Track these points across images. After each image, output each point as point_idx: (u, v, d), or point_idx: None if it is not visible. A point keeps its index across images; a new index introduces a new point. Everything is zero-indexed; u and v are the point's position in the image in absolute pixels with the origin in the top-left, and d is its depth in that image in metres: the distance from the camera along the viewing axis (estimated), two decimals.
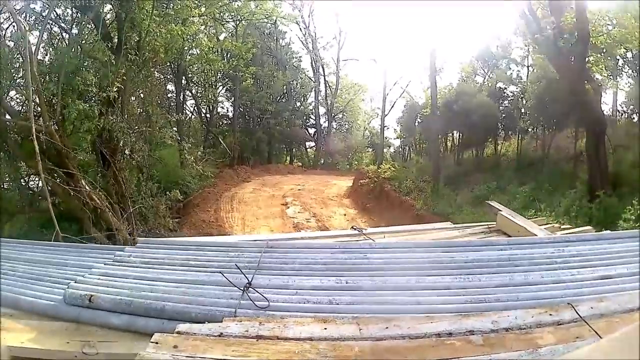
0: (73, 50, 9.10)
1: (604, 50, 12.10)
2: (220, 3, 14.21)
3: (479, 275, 2.71)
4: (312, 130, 26.61)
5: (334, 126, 27.00)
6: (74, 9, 9.20)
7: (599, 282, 2.57)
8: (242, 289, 2.42)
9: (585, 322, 2.00)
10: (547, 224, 5.23)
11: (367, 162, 22.16)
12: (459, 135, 16.72)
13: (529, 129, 15.37)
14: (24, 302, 2.61)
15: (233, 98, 21.67)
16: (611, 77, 13.85)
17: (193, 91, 20.16)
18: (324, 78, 25.77)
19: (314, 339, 1.94)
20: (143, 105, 11.46)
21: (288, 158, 26.37)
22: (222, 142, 20.10)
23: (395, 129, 23.97)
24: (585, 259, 2.89)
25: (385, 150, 25.18)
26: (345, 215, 14.42)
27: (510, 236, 4.40)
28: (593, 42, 11.56)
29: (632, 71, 13.58)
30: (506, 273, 2.72)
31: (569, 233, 4.63)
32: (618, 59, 13.11)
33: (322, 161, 25.54)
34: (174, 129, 14.38)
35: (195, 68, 17.59)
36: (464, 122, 14.82)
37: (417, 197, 14.11)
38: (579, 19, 10.93)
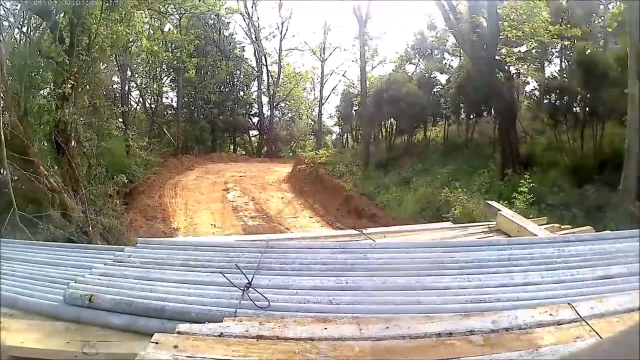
0: (33, 52, 10.14)
1: (516, 43, 13.33)
2: None
3: (479, 275, 2.71)
4: (255, 119, 27.26)
5: (277, 115, 27.72)
6: (35, 15, 10.34)
7: (599, 282, 2.57)
8: (243, 289, 2.42)
9: (586, 322, 2.00)
10: (547, 223, 5.23)
11: (310, 150, 22.79)
12: (394, 123, 17.63)
13: (451, 116, 16.38)
14: (23, 302, 2.60)
15: (177, 88, 22.12)
16: (534, 66, 14.86)
17: (138, 82, 20.69)
18: (267, 68, 26.45)
19: (314, 339, 1.94)
20: (92, 98, 12.30)
21: (232, 147, 26.90)
22: (166, 132, 20.79)
23: (334, 117, 25.02)
24: (585, 258, 2.89)
25: (327, 137, 26.34)
26: (282, 198, 15.33)
27: (510, 236, 4.40)
28: (506, 35, 12.63)
29: (539, 61, 15.04)
30: (506, 273, 2.72)
31: (569, 233, 4.63)
32: (528, 50, 14.38)
33: (265, 149, 26.18)
34: (120, 119, 15.59)
35: (140, 60, 18.04)
36: (394, 110, 15.83)
37: (348, 179, 15.14)
38: (489, 15, 12.11)
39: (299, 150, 24.68)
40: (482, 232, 4.74)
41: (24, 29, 10.71)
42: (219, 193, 15.25)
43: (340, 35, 24.62)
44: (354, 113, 20.41)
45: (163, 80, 22.21)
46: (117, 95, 18.81)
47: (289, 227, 12.17)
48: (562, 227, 5.14)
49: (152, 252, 3.24)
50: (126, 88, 19.54)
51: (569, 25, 12.10)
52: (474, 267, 2.82)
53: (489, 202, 5.82)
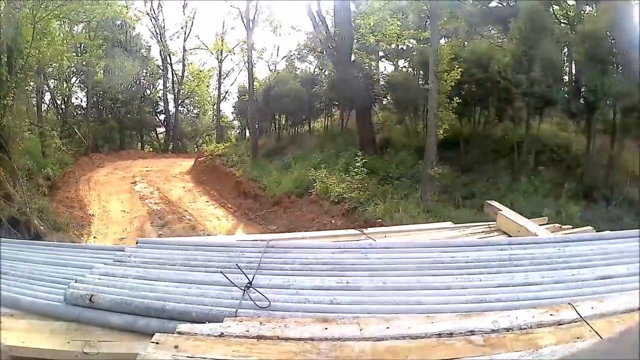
0: None
1: (371, 46, 15.90)
2: (72, 7, 16.22)
3: (480, 275, 2.71)
4: (162, 117, 28.19)
5: (183, 112, 28.99)
6: None
7: (599, 282, 2.57)
8: (243, 288, 2.42)
9: (586, 322, 2.01)
10: (547, 223, 5.23)
11: (213, 144, 24.06)
12: (285, 116, 19.70)
13: (326, 109, 18.67)
14: (24, 302, 2.60)
15: (86, 89, 22.80)
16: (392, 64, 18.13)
17: (50, 85, 21.29)
18: (171, 66, 27.64)
19: (314, 339, 1.95)
20: (25, 106, 14.68)
21: (140, 144, 27.68)
22: (77, 132, 21.45)
23: (233, 113, 26.23)
24: (585, 258, 2.89)
25: (231, 132, 27.71)
26: (184, 187, 17.30)
27: (510, 236, 4.40)
28: (364, 41, 15.14)
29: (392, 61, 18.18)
30: (506, 273, 2.72)
31: (570, 233, 4.63)
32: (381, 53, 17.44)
33: (172, 145, 27.20)
34: (33, 121, 17.10)
35: (51, 63, 18.70)
36: (280, 106, 17.87)
37: (239, 168, 17.08)
38: (345, 25, 14.57)
39: (204, 145, 25.75)
40: (483, 232, 4.74)
41: None
42: (127, 186, 16.83)
43: (239, 35, 25.48)
44: (248, 109, 21.87)
45: (72, 82, 22.96)
46: (32, 97, 19.73)
47: (187, 210, 14.00)
48: (562, 227, 5.14)
49: (153, 251, 3.24)
50: (40, 91, 20.33)
51: (420, 30, 14.30)
52: (474, 267, 2.81)
53: (489, 202, 5.80)
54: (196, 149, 26.80)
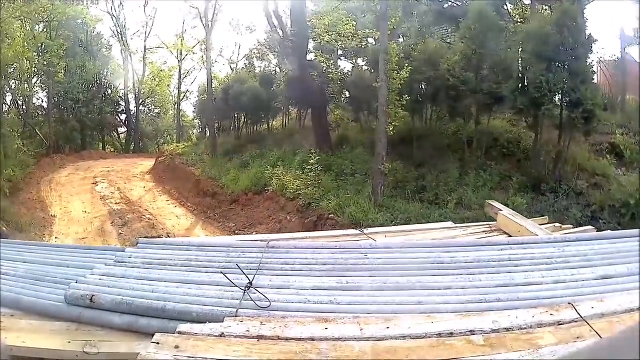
0: None
1: (328, 45, 15.72)
2: (34, 7, 16.46)
3: (480, 275, 2.71)
4: (123, 117, 27.88)
5: (144, 111, 28.60)
6: None
7: (599, 282, 2.57)
8: (244, 289, 2.42)
9: (586, 322, 2.01)
10: (547, 223, 5.23)
11: (174, 143, 24.14)
12: (244, 115, 19.70)
13: (284, 108, 18.70)
14: (25, 303, 2.61)
15: (47, 89, 22.61)
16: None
17: (11, 85, 21.11)
18: (132, 66, 27.29)
19: (315, 339, 1.95)
20: None
21: (101, 144, 27.48)
22: (38, 132, 21.29)
23: (194, 112, 26.46)
24: (585, 258, 2.89)
25: (192, 131, 27.75)
26: (144, 187, 17.45)
27: (510, 236, 4.40)
28: (319, 40, 15.18)
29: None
30: (507, 273, 2.72)
31: (569, 233, 4.63)
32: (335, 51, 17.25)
33: (133, 145, 27.02)
34: None
35: (12, 64, 18.78)
36: (239, 105, 17.90)
37: (198, 167, 17.22)
38: (299, 26, 14.65)
39: (165, 144, 25.70)
40: (483, 232, 4.74)
41: None
42: (88, 186, 16.91)
43: (198, 34, 25.60)
44: (207, 108, 22.08)
45: (33, 82, 22.76)
46: None
47: (147, 209, 14.16)
48: (562, 227, 5.14)
49: (153, 252, 3.24)
50: (1, 92, 20.29)
51: (375, 30, 14.10)
52: (474, 267, 2.82)
53: (490, 202, 5.81)
54: (157, 148, 26.69)
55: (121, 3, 25.81)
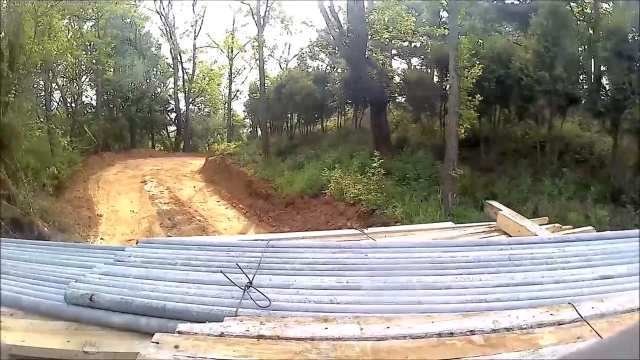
0: None
1: (386, 44, 15.58)
2: (80, 5, 16.39)
3: (480, 274, 2.71)
4: (172, 115, 27.85)
5: (194, 110, 28.57)
6: None
7: (599, 282, 2.57)
8: (243, 288, 2.42)
9: (586, 322, 2.01)
10: (546, 223, 5.23)
11: (224, 143, 23.79)
12: (297, 115, 19.35)
13: (339, 107, 18.35)
14: (24, 302, 2.61)
15: (96, 87, 22.64)
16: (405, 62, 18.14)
17: (59, 83, 21.09)
18: (182, 65, 27.31)
19: (315, 338, 1.95)
20: (28, 103, 14.19)
21: (150, 143, 27.40)
22: (87, 130, 21.20)
23: (244, 111, 26.32)
24: (585, 258, 2.89)
25: (242, 130, 27.55)
26: (194, 187, 16.96)
27: (510, 236, 4.40)
28: (378, 38, 14.78)
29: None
30: (507, 273, 2.72)
31: (569, 233, 4.63)
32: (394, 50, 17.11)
33: (183, 144, 26.91)
34: (41, 119, 16.94)
35: (61, 61, 18.54)
36: (292, 104, 17.56)
37: (250, 167, 16.76)
38: (358, 20, 14.00)
39: (215, 144, 25.20)
40: (483, 231, 4.74)
41: None
42: (137, 185, 16.55)
43: (250, 32, 25.41)
44: (260, 107, 21.64)
45: (83, 80, 22.80)
46: (41, 96, 19.62)
47: (197, 210, 13.70)
48: (562, 227, 5.14)
49: (153, 251, 3.24)
50: (49, 89, 20.21)
51: (435, 26, 13.66)
52: (474, 266, 2.81)
53: (490, 202, 5.82)
54: (207, 148, 26.30)
55: (170, 2, 25.71)
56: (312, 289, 2.54)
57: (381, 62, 15.15)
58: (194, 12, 26.55)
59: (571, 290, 2.47)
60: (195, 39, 26.86)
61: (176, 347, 1.89)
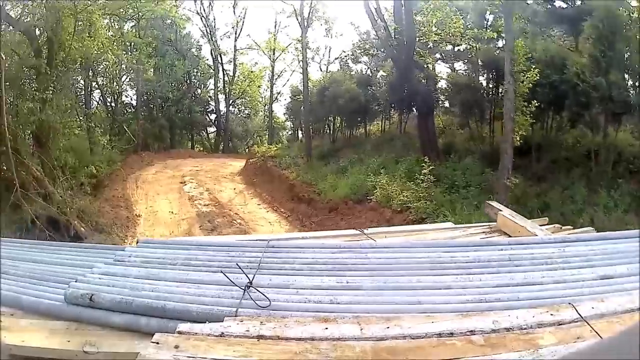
0: (21, 66, 12.21)
1: (434, 46, 15.27)
2: (120, 4, 16.10)
3: (480, 275, 2.71)
4: (212, 116, 27.95)
5: (234, 112, 28.60)
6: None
7: (599, 282, 2.57)
8: (243, 288, 2.42)
9: (586, 322, 2.01)
10: (546, 224, 5.23)
11: (265, 145, 23.55)
12: (340, 118, 19.09)
13: (385, 111, 18.05)
14: (24, 302, 2.61)
15: (136, 87, 22.68)
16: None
17: (99, 82, 21.19)
18: (222, 66, 27.26)
19: (315, 338, 1.94)
20: (67, 100, 14.12)
21: (190, 143, 27.48)
22: (126, 129, 21.36)
23: (285, 113, 26.10)
24: (585, 258, 2.88)
25: (282, 132, 27.52)
26: (234, 189, 16.61)
27: (510, 236, 4.40)
28: (425, 40, 14.44)
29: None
30: (507, 273, 2.72)
31: (570, 233, 4.63)
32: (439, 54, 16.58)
33: (222, 145, 26.86)
34: (80, 118, 17.04)
35: (101, 60, 18.49)
36: (335, 107, 17.27)
37: (292, 170, 16.43)
38: (407, 22, 13.72)
39: (255, 145, 25.20)
40: (483, 232, 4.73)
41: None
42: (176, 185, 16.38)
43: (292, 33, 25.34)
44: (302, 109, 21.34)
45: (123, 80, 22.85)
46: (81, 95, 19.75)
47: (238, 213, 13.40)
48: (562, 227, 5.14)
49: (153, 251, 3.24)
50: (89, 88, 20.35)
51: (484, 29, 13.43)
52: (474, 267, 2.81)
53: (489, 202, 5.80)
54: (247, 149, 26.30)
55: (210, 3, 25.72)
56: (312, 289, 2.54)
57: (430, 65, 14.73)
58: (234, 13, 26.58)
59: (571, 290, 2.47)
60: (235, 40, 26.89)
61: (176, 347, 1.89)
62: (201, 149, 27.29)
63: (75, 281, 2.69)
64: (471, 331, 1.97)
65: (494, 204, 5.52)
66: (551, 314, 2.08)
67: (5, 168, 9.94)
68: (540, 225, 4.71)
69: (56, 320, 2.47)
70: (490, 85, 13.88)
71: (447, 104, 15.84)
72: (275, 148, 19.68)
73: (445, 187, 11.18)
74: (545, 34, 13.21)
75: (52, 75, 11.87)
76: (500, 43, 13.54)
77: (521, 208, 9.09)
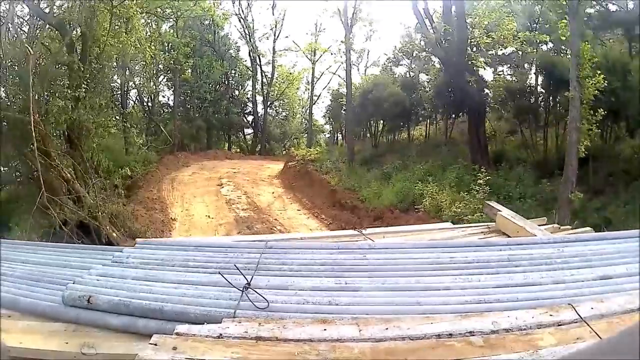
0: (52, 62, 11.57)
1: (485, 49, 14.55)
2: (158, 3, 15.84)
3: (479, 275, 2.70)
4: (250, 118, 27.74)
5: (271, 114, 28.17)
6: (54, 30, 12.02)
7: (599, 283, 2.56)
8: (242, 289, 2.41)
9: (586, 322, 2.00)
10: (545, 224, 5.22)
11: (302, 148, 23.25)
12: (382, 122, 18.61)
13: (431, 116, 17.62)
14: (22, 303, 2.60)
15: (174, 88, 22.57)
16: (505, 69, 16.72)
17: (136, 82, 20.99)
18: (261, 68, 26.87)
19: (313, 340, 1.94)
20: (101, 99, 13.28)
21: (227, 145, 27.24)
22: (163, 129, 21.05)
23: (325, 116, 25.74)
24: (585, 259, 2.88)
25: (320, 135, 27.27)
26: (273, 193, 16.06)
27: (510, 236, 4.40)
28: (478, 41, 13.83)
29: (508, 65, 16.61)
30: (506, 273, 2.71)
31: (569, 233, 4.63)
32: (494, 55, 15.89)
33: (259, 147, 26.54)
34: (117, 117, 16.56)
35: (138, 59, 18.34)
36: (378, 110, 16.81)
37: (334, 175, 15.89)
38: (459, 23, 13.19)
39: (293, 148, 24.86)
40: (482, 232, 4.73)
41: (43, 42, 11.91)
42: (213, 187, 15.89)
43: (332, 35, 25.21)
44: (343, 112, 20.98)
45: (160, 80, 22.72)
46: (117, 94, 19.42)
47: (277, 218, 12.79)
48: (561, 227, 5.14)
49: (151, 252, 3.23)
50: (125, 88, 20.08)
51: (537, 32, 12.94)
52: (473, 267, 2.81)
53: (489, 202, 5.80)
54: (283, 152, 26.01)
55: (249, 4, 25.34)
56: (311, 290, 2.53)
57: (482, 68, 14.17)
58: (273, 14, 26.15)
59: (571, 290, 2.46)
60: (274, 41, 26.47)
61: (174, 348, 1.88)
62: (238, 150, 26.97)
63: (73, 283, 2.68)
64: (470, 332, 1.96)
65: (493, 203, 5.51)
66: (550, 315, 2.08)
67: (35, 170, 9.59)
68: (539, 226, 4.70)
69: (54, 322, 2.47)
70: (544, 91, 13.29)
71: (497, 109, 15.05)
72: (315, 152, 19.17)
73: (498, 199, 10.19)
74: (599, 38, 12.62)
75: (86, 73, 11.40)
76: (556, 47, 13.08)
77: (580, 223, 8.05)
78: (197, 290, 2.56)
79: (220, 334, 1.99)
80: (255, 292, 2.39)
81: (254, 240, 3.82)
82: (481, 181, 10.64)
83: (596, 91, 9.51)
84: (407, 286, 2.59)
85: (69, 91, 11.00)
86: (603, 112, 9.53)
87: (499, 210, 5.02)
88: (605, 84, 9.71)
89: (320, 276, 2.70)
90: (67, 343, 2.30)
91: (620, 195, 9.84)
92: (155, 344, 1.91)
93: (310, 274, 2.74)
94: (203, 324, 2.11)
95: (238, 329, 2.03)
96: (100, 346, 2.26)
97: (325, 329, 2.01)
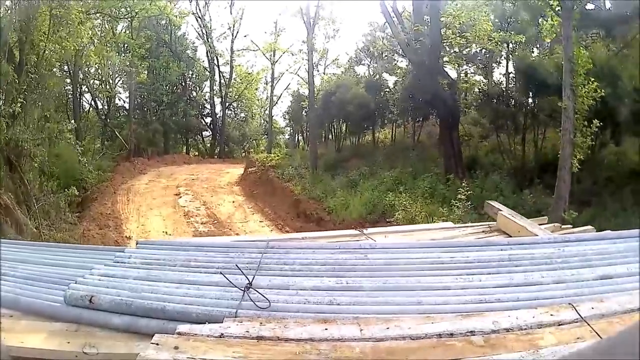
0: None
1: (457, 50, 14.07)
2: (111, 3, 15.11)
3: (480, 275, 2.70)
4: (208, 120, 27.27)
5: (230, 115, 27.64)
6: None
7: (599, 282, 2.57)
8: (243, 289, 2.42)
9: (586, 322, 2.00)
10: (545, 224, 5.23)
11: (262, 150, 23.00)
12: (345, 124, 17.90)
13: (398, 118, 16.93)
14: (24, 303, 2.60)
15: (129, 90, 21.94)
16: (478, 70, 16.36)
17: (90, 85, 20.52)
18: (218, 68, 26.38)
19: (314, 339, 1.94)
20: (42, 112, 12.17)
21: (184, 148, 26.69)
22: (118, 135, 20.51)
23: (285, 117, 25.62)
24: (585, 258, 2.88)
25: (280, 137, 26.87)
26: (233, 202, 15.34)
27: (510, 236, 4.40)
28: (450, 41, 13.33)
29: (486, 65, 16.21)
30: (506, 273, 2.72)
31: (569, 233, 4.63)
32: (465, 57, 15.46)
33: (218, 150, 26.11)
34: (72, 121, 15.45)
35: (91, 62, 17.83)
36: (342, 112, 16.19)
37: (297, 183, 15.10)
38: (432, 23, 12.61)
39: (252, 150, 24.75)
40: (483, 232, 4.73)
41: None
42: (170, 197, 15.29)
43: (292, 35, 24.98)
44: (304, 114, 20.52)
45: (115, 82, 22.08)
46: (69, 99, 18.87)
47: (239, 232, 12.16)
48: (562, 227, 5.14)
49: (153, 252, 3.24)
50: (78, 92, 19.60)
51: (512, 32, 12.50)
52: (474, 267, 2.81)
53: (489, 202, 5.81)
54: (243, 154, 25.64)
55: (206, 3, 24.89)
56: (312, 289, 2.54)
57: (455, 70, 13.84)
58: (231, 13, 25.75)
59: (571, 290, 2.47)
60: (232, 41, 26.05)
61: (176, 348, 1.89)
62: (196, 153, 26.66)
63: (75, 282, 2.69)
64: (471, 332, 1.96)
65: (494, 203, 5.51)
66: (551, 314, 2.08)
67: None
68: (540, 225, 4.70)
69: (56, 322, 2.47)
70: (520, 93, 12.86)
71: (470, 113, 14.70)
72: (276, 156, 18.57)
73: (480, 215, 9.51)
74: (581, 39, 11.77)
75: (22, 85, 10.27)
76: (535, 50, 12.72)
77: None
78: (198, 290, 2.56)
79: (222, 334, 2.00)
80: (257, 291, 2.39)
81: (255, 240, 3.82)
82: (462, 196, 10.01)
83: (592, 101, 9.02)
84: (408, 286, 2.60)
85: (3, 107, 9.90)
86: (599, 123, 9.03)
87: (500, 210, 5.03)
88: (602, 92, 9.26)
89: (322, 276, 2.71)
90: (68, 343, 2.31)
91: (608, 206, 9.39)
92: (157, 344, 1.92)
93: (312, 274, 2.75)
94: (205, 323, 2.12)
95: (239, 328, 2.04)
96: (102, 346, 2.26)
97: (326, 329, 2.01)
